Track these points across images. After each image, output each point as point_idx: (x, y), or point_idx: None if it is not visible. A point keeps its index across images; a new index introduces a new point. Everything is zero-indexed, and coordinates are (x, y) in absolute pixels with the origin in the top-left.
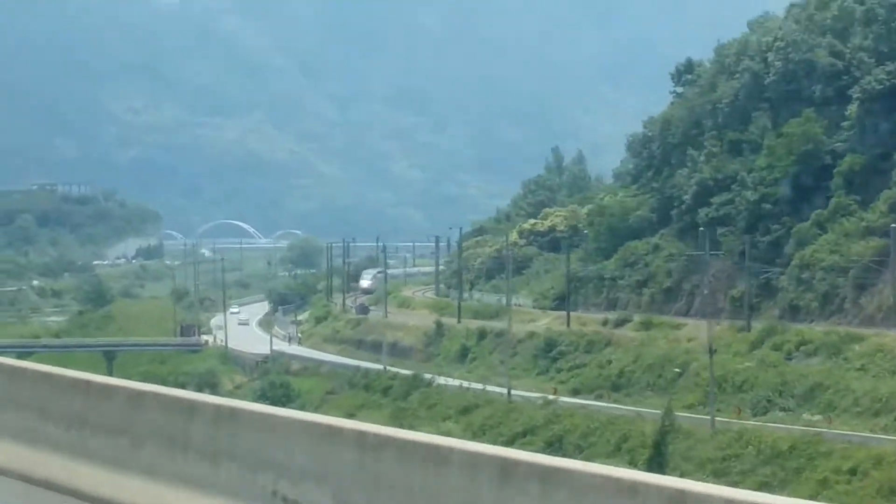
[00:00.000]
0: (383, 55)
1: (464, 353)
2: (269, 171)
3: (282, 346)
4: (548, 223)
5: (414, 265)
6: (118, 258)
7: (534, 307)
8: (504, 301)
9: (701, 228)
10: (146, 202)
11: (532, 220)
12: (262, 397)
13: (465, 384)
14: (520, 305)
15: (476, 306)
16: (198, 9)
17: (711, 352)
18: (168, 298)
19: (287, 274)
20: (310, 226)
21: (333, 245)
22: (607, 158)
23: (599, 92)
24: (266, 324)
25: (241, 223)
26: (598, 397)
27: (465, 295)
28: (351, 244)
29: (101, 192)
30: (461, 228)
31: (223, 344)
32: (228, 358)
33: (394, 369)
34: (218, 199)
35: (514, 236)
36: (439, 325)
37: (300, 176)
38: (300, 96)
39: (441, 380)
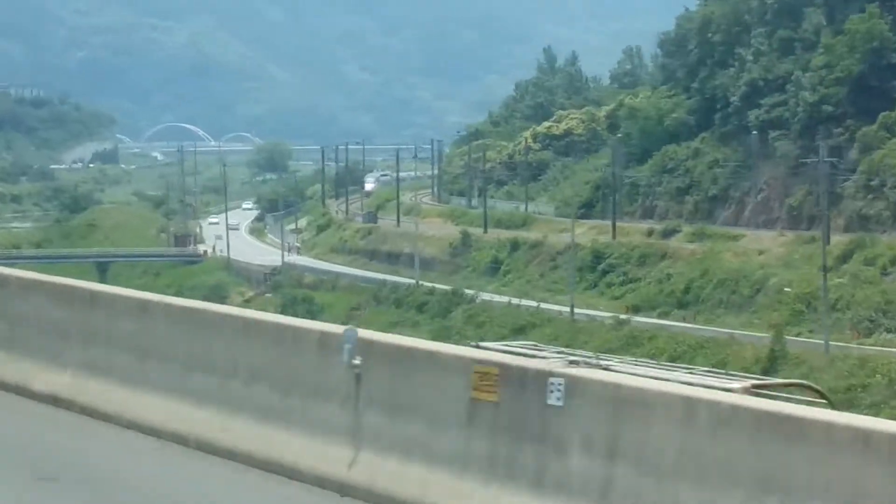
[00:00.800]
0: None
1: (495, 266)
2: (218, 75)
3: (280, 256)
4: (563, 126)
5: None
6: (75, 162)
7: (556, 216)
8: (523, 208)
9: (754, 132)
10: (96, 105)
11: (546, 123)
12: (285, 313)
13: (515, 300)
14: (540, 214)
15: (498, 214)
16: None
17: (825, 268)
18: (143, 204)
19: (257, 179)
20: (260, 129)
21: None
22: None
23: None
24: (257, 231)
25: (190, 126)
26: (664, 315)
27: (474, 202)
28: (326, 148)
29: (56, 95)
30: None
31: (222, 255)
32: (231, 270)
33: (426, 283)
34: (167, 102)
35: (526, 139)
36: (465, 235)
37: (250, 80)
38: (250, 0)
39: (486, 295)
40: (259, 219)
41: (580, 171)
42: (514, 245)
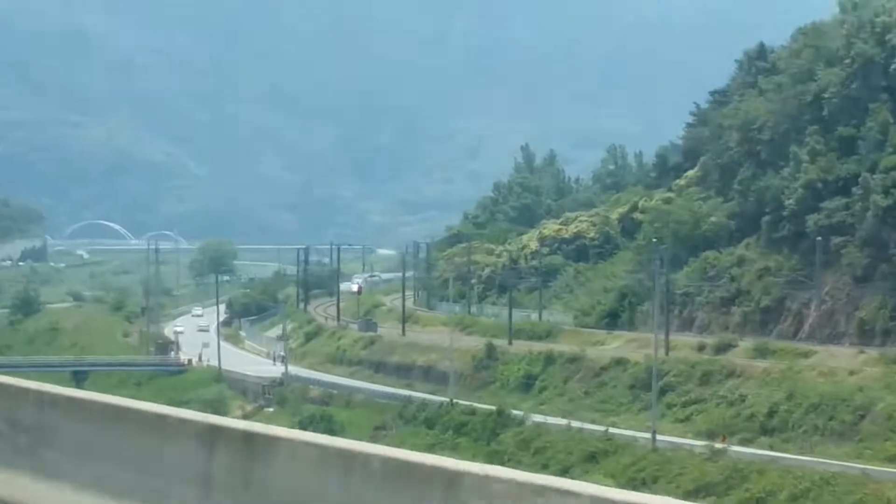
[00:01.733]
0: (250, 55)
1: (528, 382)
2: (138, 172)
3: (272, 365)
4: (571, 229)
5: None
6: (3, 260)
7: (575, 325)
8: (534, 317)
9: (818, 238)
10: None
11: (553, 226)
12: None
13: (575, 423)
14: (559, 323)
15: (520, 325)
16: (63, 5)
17: None
18: (96, 306)
19: (196, 280)
20: (183, 228)
21: (244, 248)
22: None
23: (471, 95)
24: (232, 338)
25: (110, 223)
26: (746, 442)
27: (473, 309)
28: (277, 248)
29: None
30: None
31: (209, 364)
32: (222, 380)
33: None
34: (86, 199)
35: (531, 243)
36: (490, 346)
37: (172, 177)
38: (169, 96)
39: (538, 417)
40: (226, 323)
41: (596, 277)
42: (549, 358)
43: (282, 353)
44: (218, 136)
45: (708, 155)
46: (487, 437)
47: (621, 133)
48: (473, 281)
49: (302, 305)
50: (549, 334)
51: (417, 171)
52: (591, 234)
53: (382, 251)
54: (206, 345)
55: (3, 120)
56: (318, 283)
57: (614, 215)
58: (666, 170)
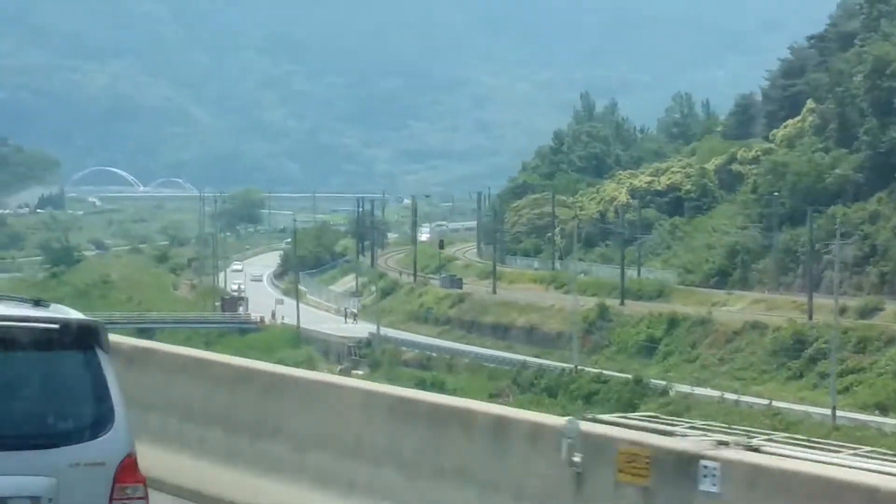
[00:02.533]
0: (256, 2)
1: (650, 346)
2: (141, 118)
3: (339, 323)
4: (664, 180)
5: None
6: (20, 207)
7: (679, 283)
8: (629, 274)
9: None
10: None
11: (644, 177)
12: None
13: (728, 394)
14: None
15: (613, 282)
16: None
17: None
18: (139, 256)
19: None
20: (186, 175)
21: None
22: (510, 111)
23: (479, 45)
24: (292, 292)
25: (116, 170)
26: None
27: (556, 265)
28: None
29: None
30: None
31: (282, 321)
32: (300, 340)
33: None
34: (88, 146)
35: (620, 195)
36: (603, 307)
37: (175, 124)
38: (172, 43)
39: (683, 387)
40: (279, 276)
41: (695, 232)
42: (672, 321)
43: (354, 310)
44: (221, 82)
45: (827, 103)
46: (623, 407)
47: (630, 83)
48: (549, 235)
49: (363, 258)
50: (660, 294)
51: (424, 120)
52: (688, 187)
53: (408, 200)
54: (279, 301)
55: (4, 66)
56: (365, 234)
57: (710, 166)
58: (746, 119)
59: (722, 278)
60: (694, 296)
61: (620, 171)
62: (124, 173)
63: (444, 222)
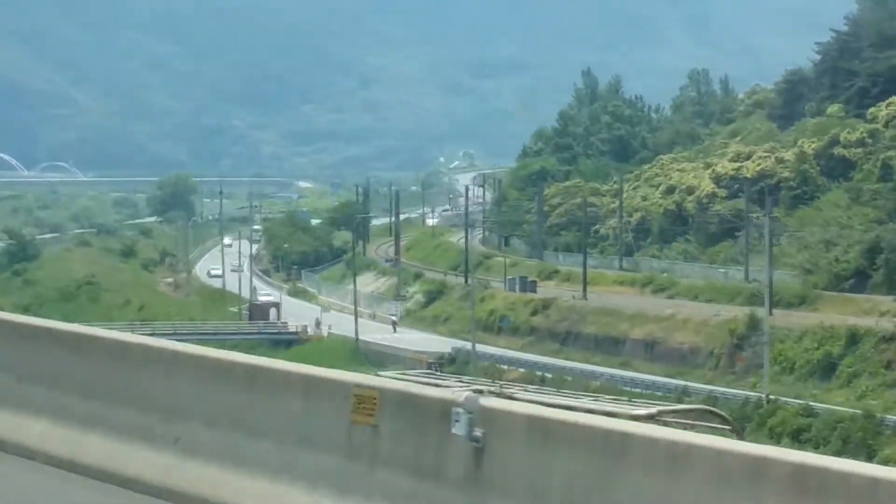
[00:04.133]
0: None
1: (827, 366)
2: (21, 100)
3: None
4: (754, 167)
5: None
6: None
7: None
8: (733, 275)
9: None
10: None
11: (729, 163)
12: None
13: None
14: (756, 281)
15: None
16: None
17: None
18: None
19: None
20: (68, 158)
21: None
22: (398, 91)
23: (366, 24)
24: (299, 293)
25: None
26: None
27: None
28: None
29: None
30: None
31: (328, 332)
32: (362, 355)
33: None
34: None
35: (702, 184)
36: (753, 318)
37: (56, 106)
38: (53, 23)
39: None
40: (266, 272)
41: (802, 226)
42: (853, 336)
43: (394, 317)
44: (104, 64)
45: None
46: (854, 449)
47: (519, 61)
48: (595, 228)
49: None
50: (803, 300)
51: (311, 102)
52: (785, 174)
53: (303, 184)
54: (325, 309)
55: None
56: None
57: (810, 149)
58: (793, 98)
59: (860, 280)
60: (849, 302)
61: (663, 157)
62: (7, 157)
63: (448, 207)
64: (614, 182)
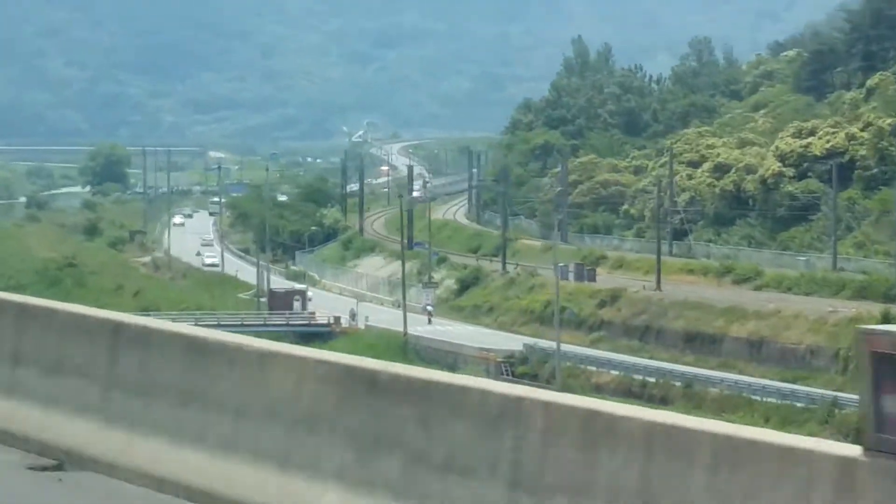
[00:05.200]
0: None
1: None
2: None
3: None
4: (822, 143)
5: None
6: None
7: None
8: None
9: None
10: None
11: (793, 139)
12: None
13: None
14: (843, 270)
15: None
16: None
17: None
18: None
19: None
20: None
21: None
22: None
23: None
24: (295, 276)
25: None
26: None
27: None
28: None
29: None
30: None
31: (365, 324)
32: (412, 352)
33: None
34: None
35: (766, 162)
36: (888, 316)
37: None
38: None
39: None
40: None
41: (884, 209)
42: None
43: (429, 306)
44: None
45: None
46: None
47: (422, 31)
48: (625, 207)
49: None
50: None
51: (211, 70)
52: (862, 152)
53: (215, 153)
54: (359, 297)
55: None
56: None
57: (884, 125)
58: (820, 68)
59: None
60: None
61: (686, 131)
62: None
63: (429, 178)
64: (632, 157)
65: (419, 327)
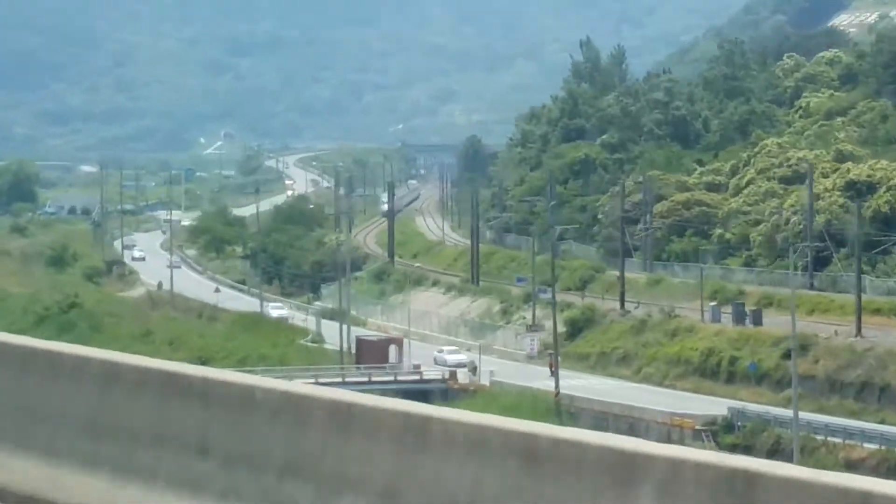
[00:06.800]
0: None
1: None
2: None
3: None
4: None
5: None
6: None
7: None
8: None
9: None
10: None
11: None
12: None
13: None
14: None
15: None
16: None
17: None
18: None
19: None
20: None
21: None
22: (153, 69)
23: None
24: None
25: None
26: None
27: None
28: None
29: None
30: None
31: (490, 381)
32: (567, 418)
33: None
34: None
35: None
36: None
37: None
38: None
39: None
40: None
41: None
42: None
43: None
44: None
45: None
46: None
47: (279, 39)
48: (718, 231)
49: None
50: None
51: (62, 80)
52: None
53: (87, 168)
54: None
55: None
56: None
57: None
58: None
59: None
60: None
61: (765, 142)
62: None
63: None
64: (700, 172)
65: (545, 381)
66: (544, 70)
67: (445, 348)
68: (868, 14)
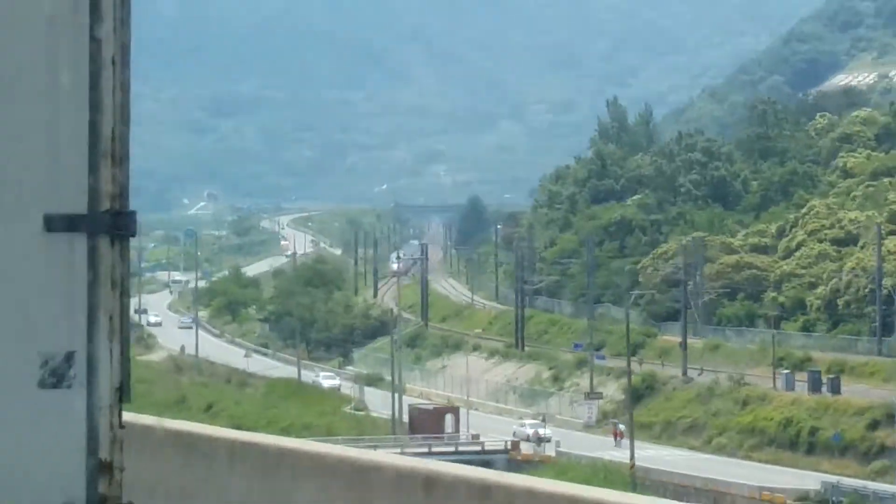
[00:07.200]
0: None
1: None
2: None
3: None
4: None
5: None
6: None
7: None
8: None
9: None
10: None
11: None
12: None
13: None
14: None
15: None
16: None
17: None
18: None
19: None
20: None
21: None
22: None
23: None
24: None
25: None
26: None
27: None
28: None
29: None
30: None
31: (555, 450)
32: (642, 488)
33: None
34: None
35: None
36: None
37: None
38: None
39: None
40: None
41: None
42: None
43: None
44: None
45: None
46: None
47: (262, 99)
48: (772, 295)
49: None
50: None
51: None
52: None
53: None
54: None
55: None
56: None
57: None
58: None
59: None
60: None
61: (814, 203)
62: None
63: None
64: (745, 234)
65: (610, 451)
66: (528, 130)
67: (527, 421)
68: (866, 74)
